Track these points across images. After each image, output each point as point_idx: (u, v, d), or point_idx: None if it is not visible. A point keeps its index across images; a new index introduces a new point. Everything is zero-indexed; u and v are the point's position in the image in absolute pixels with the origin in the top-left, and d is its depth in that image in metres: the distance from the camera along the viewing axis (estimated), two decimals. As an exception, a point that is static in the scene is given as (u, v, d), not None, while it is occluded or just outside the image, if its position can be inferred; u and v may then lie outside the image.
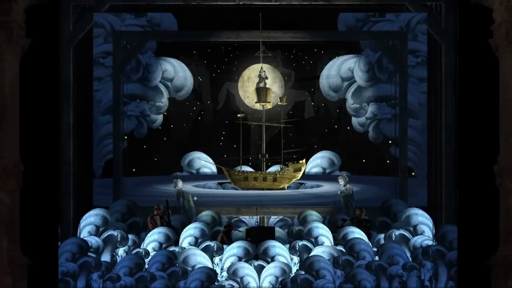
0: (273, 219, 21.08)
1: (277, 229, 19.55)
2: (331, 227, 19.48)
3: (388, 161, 22.30)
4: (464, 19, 15.08)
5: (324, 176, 22.44)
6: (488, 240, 13.83)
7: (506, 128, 13.34)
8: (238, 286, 17.55)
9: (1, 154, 12.42)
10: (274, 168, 22.38)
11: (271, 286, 17.54)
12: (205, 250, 18.22)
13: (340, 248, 18.36)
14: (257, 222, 20.88)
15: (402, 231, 18.97)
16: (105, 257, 18.29)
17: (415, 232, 19.17)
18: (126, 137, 21.99)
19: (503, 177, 13.09)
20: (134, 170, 22.16)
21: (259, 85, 22.29)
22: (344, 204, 20.56)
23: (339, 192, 20.70)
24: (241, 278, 17.58)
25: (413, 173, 21.79)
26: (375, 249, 18.38)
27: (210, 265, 17.90)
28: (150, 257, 18.04)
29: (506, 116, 13.31)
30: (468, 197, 14.78)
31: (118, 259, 18.30)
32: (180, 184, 20.67)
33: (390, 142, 22.17)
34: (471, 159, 14.68)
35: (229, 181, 21.99)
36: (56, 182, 15.14)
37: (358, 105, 22.76)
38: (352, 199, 20.58)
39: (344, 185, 20.70)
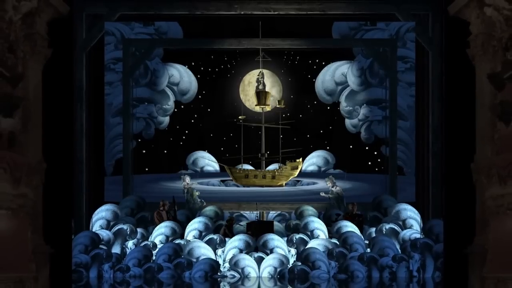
0: (272, 214, 21.16)
1: (275, 223, 19.64)
2: (326, 221, 19.55)
3: (379, 160, 22.38)
4: (449, 28, 15.07)
5: (319, 174, 22.50)
6: (472, 233, 13.81)
7: (481, 130, 13.43)
8: (239, 276, 17.61)
9: (26, 153, 12.60)
10: (272, 167, 22.48)
11: (270, 276, 17.59)
12: (209, 242, 18.31)
13: (334, 240, 18.40)
14: (257, 216, 20.98)
15: (392, 225, 19.04)
16: (116, 249, 18.38)
17: (404, 226, 19.24)
18: (135, 138, 22.12)
19: (478, 174, 13.18)
20: (142, 168, 22.27)
21: (258, 88, 22.31)
22: (336, 204, 20.59)
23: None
24: (242, 268, 17.66)
25: (402, 171, 21.88)
26: (367, 242, 18.45)
27: (213, 256, 17.97)
28: (157, 249, 18.12)
29: (482, 119, 13.41)
30: (453, 193, 14.72)
31: (128, 251, 18.37)
32: (188, 179, 20.74)
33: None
34: (456, 158, 14.64)
35: (231, 178, 22.10)
36: (70, 179, 15.15)
37: (351, 108, 22.86)
38: (343, 199, 20.61)
39: (332, 186, 20.72)
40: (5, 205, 12.18)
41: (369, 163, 22.60)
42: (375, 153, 22.56)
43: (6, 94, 12.37)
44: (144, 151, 22.48)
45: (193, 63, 22.88)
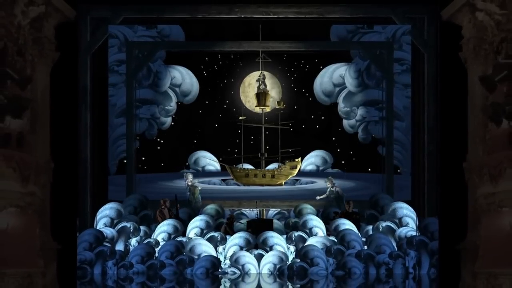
0: (272, 212, 21.21)
1: (275, 221, 19.70)
2: (324, 219, 19.58)
3: (375, 159, 22.44)
4: (443, 32, 15.18)
5: (317, 173, 22.60)
6: (466, 230, 13.92)
7: (473, 130, 13.55)
8: (239, 273, 17.69)
9: (34, 153, 12.77)
10: (272, 166, 22.51)
11: (270, 273, 17.66)
12: (210, 240, 18.37)
13: (332, 238, 18.48)
14: (257, 214, 21.04)
15: (388, 223, 19.13)
16: (119, 246, 18.46)
17: (400, 224, 19.30)
18: (138, 138, 22.14)
19: (470, 173, 13.30)
20: (145, 167, 22.38)
21: (259, 89, 22.37)
22: (336, 203, 20.61)
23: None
24: (243, 265, 17.74)
25: (398, 170, 21.95)
26: (364, 239, 18.50)
27: (214, 253, 18.05)
28: (160, 247, 18.16)
29: (473, 120, 13.53)
30: (448, 192, 14.82)
31: (131, 248, 18.45)
32: (190, 177, 20.76)
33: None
34: (451, 158, 14.73)
35: (232, 177, 22.10)
36: (75, 178, 15.27)
37: (348, 109, 22.96)
38: (342, 198, 20.61)
39: (332, 186, 20.75)
40: (14, 203, 12.39)
41: (366, 162, 22.63)
42: (372, 152, 22.60)
43: (15, 96, 12.56)
44: (147, 151, 22.52)
45: (194, 65, 22.98)
